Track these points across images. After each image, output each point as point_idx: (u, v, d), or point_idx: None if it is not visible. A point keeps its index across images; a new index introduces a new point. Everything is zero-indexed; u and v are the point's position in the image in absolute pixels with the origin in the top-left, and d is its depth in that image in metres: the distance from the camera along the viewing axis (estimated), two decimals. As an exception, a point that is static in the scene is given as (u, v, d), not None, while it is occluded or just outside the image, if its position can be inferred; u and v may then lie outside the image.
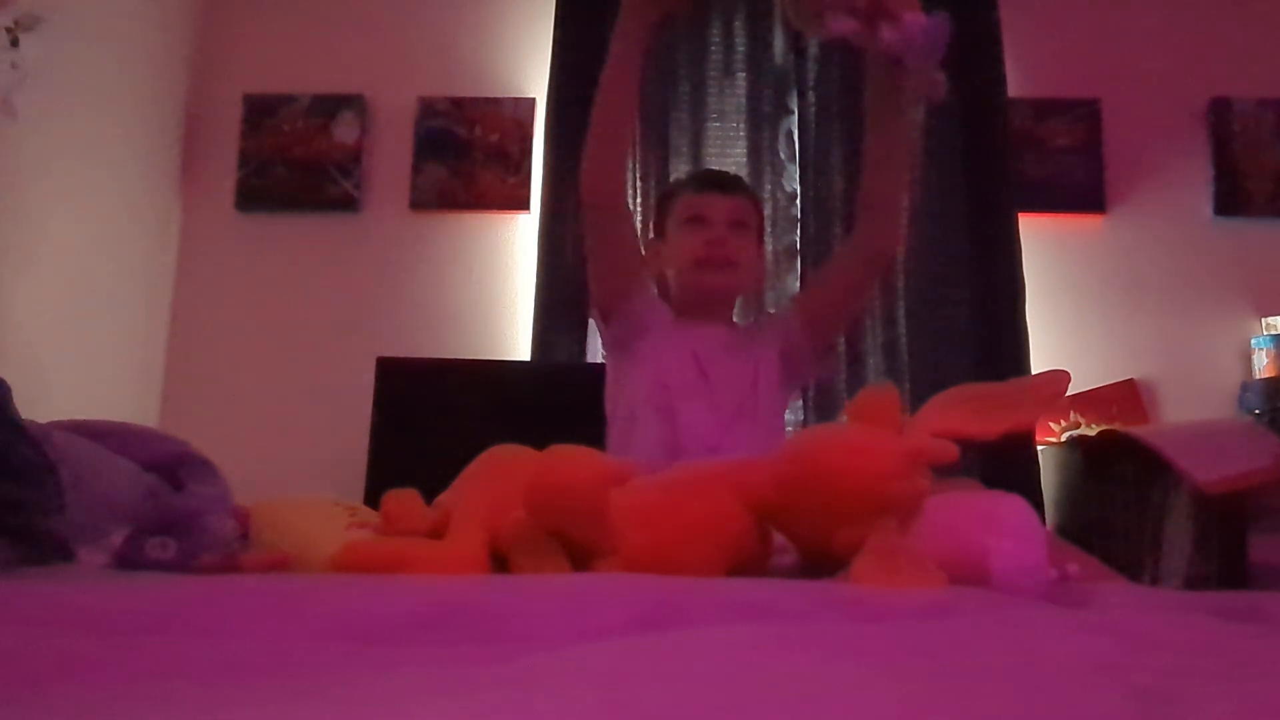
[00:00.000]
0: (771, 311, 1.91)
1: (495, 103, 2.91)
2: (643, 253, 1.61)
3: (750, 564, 0.87)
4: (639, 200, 2.85)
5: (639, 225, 2.84)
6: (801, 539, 0.88)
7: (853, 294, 1.59)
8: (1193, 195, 2.87)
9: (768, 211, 2.87)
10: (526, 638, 0.58)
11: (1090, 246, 2.86)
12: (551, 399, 1.57)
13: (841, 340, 2.78)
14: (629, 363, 1.56)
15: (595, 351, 2.68)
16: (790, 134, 2.92)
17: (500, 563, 0.88)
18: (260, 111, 2.97)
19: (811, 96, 2.91)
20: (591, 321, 2.77)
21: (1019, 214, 2.76)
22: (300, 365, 2.85)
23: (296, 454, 2.69)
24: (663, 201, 1.69)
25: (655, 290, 1.63)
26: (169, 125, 2.94)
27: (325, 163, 2.94)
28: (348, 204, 2.93)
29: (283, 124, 2.96)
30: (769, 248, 2.84)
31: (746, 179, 2.87)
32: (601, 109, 1.46)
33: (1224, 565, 1.84)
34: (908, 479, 0.79)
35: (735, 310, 1.67)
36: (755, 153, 2.90)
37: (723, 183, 1.64)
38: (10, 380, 1.17)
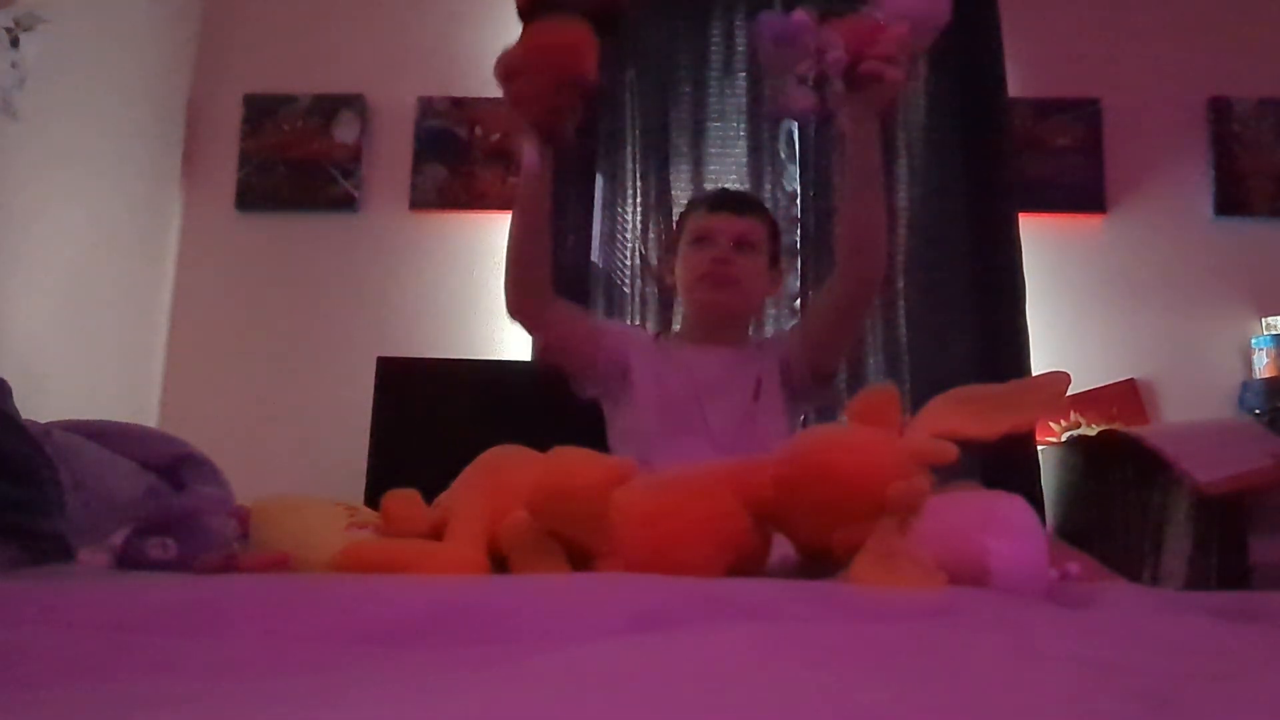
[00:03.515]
0: (772, 333, 1.91)
1: (495, 103, 2.90)
2: (580, 319, 1.63)
3: (750, 564, 0.87)
4: (638, 200, 2.85)
5: (636, 227, 2.84)
6: (801, 539, 0.88)
7: (845, 323, 1.59)
8: (1193, 195, 2.87)
9: (768, 211, 2.87)
10: (526, 638, 0.58)
11: (1090, 246, 2.86)
12: (551, 399, 1.56)
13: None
14: (621, 407, 1.57)
15: (595, 351, 2.67)
16: (790, 134, 2.92)
17: (500, 563, 0.88)
18: (260, 111, 2.97)
19: (811, 96, 2.91)
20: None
21: (1019, 214, 2.76)
22: (300, 365, 2.85)
23: (296, 454, 2.69)
24: (680, 220, 1.72)
25: (610, 326, 1.65)
26: (169, 125, 2.94)
27: (325, 163, 2.94)
28: (347, 204, 2.93)
29: (283, 124, 2.96)
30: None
31: (746, 179, 2.87)
32: (514, 239, 1.47)
33: (1224, 565, 1.84)
34: (908, 479, 0.79)
35: (747, 330, 1.68)
36: (755, 153, 2.90)
37: (735, 203, 1.65)
38: (10, 380, 1.17)
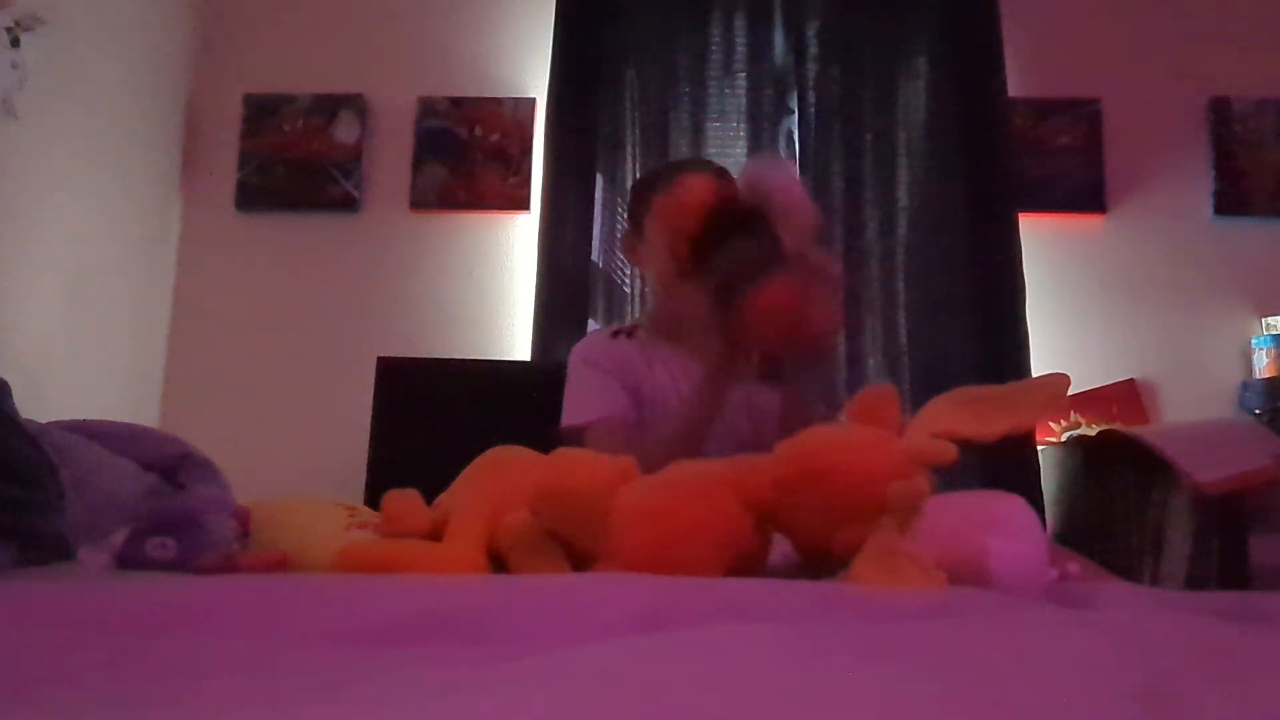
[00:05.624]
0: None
1: (495, 103, 2.91)
2: (624, 419, 1.45)
3: (750, 564, 0.87)
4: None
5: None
6: (801, 539, 0.88)
7: None
8: (1193, 195, 2.86)
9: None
10: (526, 638, 0.57)
11: (1090, 246, 2.86)
12: (551, 399, 1.56)
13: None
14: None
15: (595, 351, 2.67)
16: (790, 134, 2.92)
17: (500, 563, 0.88)
18: (260, 111, 2.97)
19: (811, 96, 2.91)
20: (591, 322, 2.77)
21: (1019, 214, 2.76)
22: (300, 365, 2.85)
23: (296, 454, 2.69)
24: (642, 192, 1.51)
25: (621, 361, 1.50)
26: (169, 125, 2.94)
27: (325, 163, 2.94)
28: (348, 204, 2.93)
29: (283, 124, 2.96)
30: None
31: (747, 179, 2.87)
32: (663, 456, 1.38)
33: (1224, 565, 1.84)
34: (908, 479, 0.79)
35: None
36: (755, 153, 2.89)
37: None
38: (10, 380, 1.17)
